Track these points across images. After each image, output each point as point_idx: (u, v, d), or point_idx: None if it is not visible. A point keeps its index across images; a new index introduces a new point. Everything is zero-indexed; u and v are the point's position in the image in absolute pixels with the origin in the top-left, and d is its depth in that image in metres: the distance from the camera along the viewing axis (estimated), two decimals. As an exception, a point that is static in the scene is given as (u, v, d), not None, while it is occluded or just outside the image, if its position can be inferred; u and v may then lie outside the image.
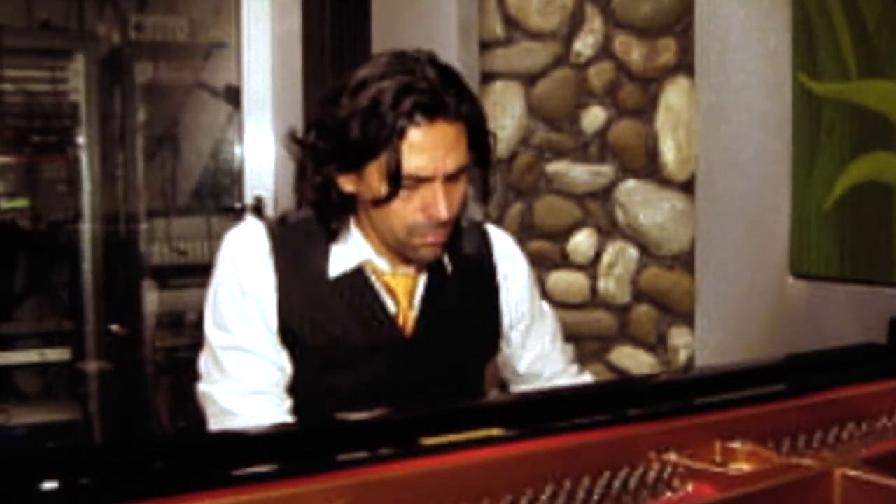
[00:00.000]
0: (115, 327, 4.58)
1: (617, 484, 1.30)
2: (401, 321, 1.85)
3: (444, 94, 1.72)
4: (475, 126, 1.77)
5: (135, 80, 4.66)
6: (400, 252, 1.83)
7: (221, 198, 4.61)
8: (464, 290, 1.92)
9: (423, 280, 1.88)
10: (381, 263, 1.86)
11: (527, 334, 2.03)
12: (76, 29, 4.79)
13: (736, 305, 2.93)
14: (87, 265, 4.59)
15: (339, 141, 1.74)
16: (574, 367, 2.13)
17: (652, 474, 1.32)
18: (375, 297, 1.84)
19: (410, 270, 1.87)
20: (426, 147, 1.70)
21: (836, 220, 2.62)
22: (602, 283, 3.30)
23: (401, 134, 1.69)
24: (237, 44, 4.08)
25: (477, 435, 1.32)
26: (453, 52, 3.30)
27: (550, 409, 1.50)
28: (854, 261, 2.58)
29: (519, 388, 2.09)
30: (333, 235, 1.84)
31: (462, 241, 1.95)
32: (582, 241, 3.32)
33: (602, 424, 1.38)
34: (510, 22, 3.34)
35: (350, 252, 1.84)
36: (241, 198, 4.08)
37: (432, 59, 1.76)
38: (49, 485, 1.13)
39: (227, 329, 1.81)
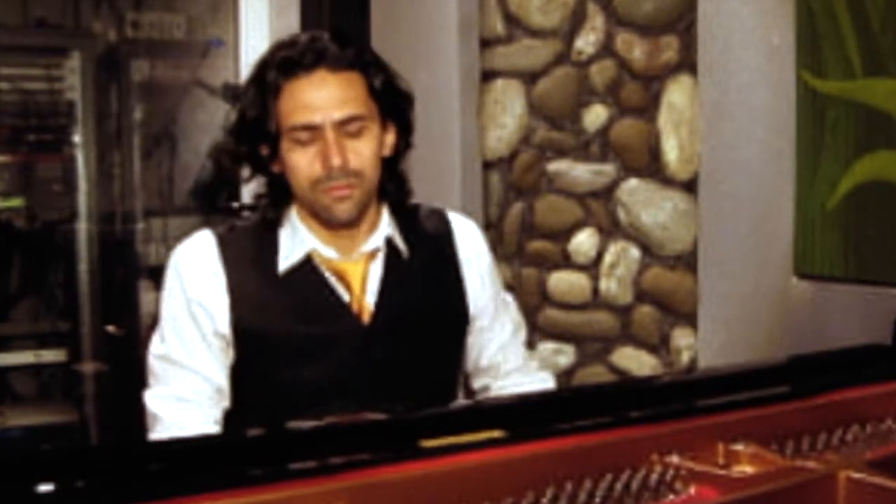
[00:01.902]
0: (111, 328, 4.57)
1: (619, 486, 1.29)
2: (356, 308, 1.85)
3: (327, 47, 1.78)
4: (370, 76, 1.82)
5: (131, 78, 4.65)
6: (321, 217, 1.84)
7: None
8: (423, 274, 1.92)
9: (376, 265, 1.88)
10: (329, 252, 1.86)
11: (490, 324, 2.01)
12: (72, 26, 4.77)
13: (739, 306, 2.92)
14: (83, 265, 4.57)
15: (243, 115, 1.83)
16: (533, 364, 2.12)
17: (654, 477, 1.31)
18: (326, 286, 1.85)
19: (360, 256, 1.87)
20: (306, 95, 1.77)
21: (840, 220, 2.61)
22: (604, 284, 3.29)
23: (278, 90, 1.77)
24: (235, 42, 4.08)
25: (477, 437, 1.31)
26: (453, 50, 3.30)
27: (552, 410, 1.50)
28: (858, 261, 2.58)
29: (479, 381, 2.07)
30: (271, 225, 1.87)
31: (419, 225, 1.95)
32: (583, 241, 3.30)
33: (604, 426, 1.38)
34: (511, 19, 3.33)
35: (296, 245, 1.86)
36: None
37: (332, 32, 1.85)
38: (45, 487, 1.12)
39: (164, 341, 1.86)
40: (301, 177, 1.79)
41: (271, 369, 1.83)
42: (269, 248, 1.86)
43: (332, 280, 1.85)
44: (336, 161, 1.75)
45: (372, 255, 1.88)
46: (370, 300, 1.85)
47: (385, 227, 1.89)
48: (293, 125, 1.77)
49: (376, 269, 1.88)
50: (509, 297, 2.10)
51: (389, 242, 1.89)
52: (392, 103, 1.86)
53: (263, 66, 1.81)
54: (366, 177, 1.81)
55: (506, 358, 2.04)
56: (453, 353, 1.98)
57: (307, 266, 1.85)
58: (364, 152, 1.80)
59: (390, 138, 1.88)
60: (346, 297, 1.85)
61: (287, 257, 1.85)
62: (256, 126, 1.80)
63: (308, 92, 1.77)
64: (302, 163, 1.78)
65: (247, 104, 1.82)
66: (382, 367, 1.84)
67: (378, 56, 1.87)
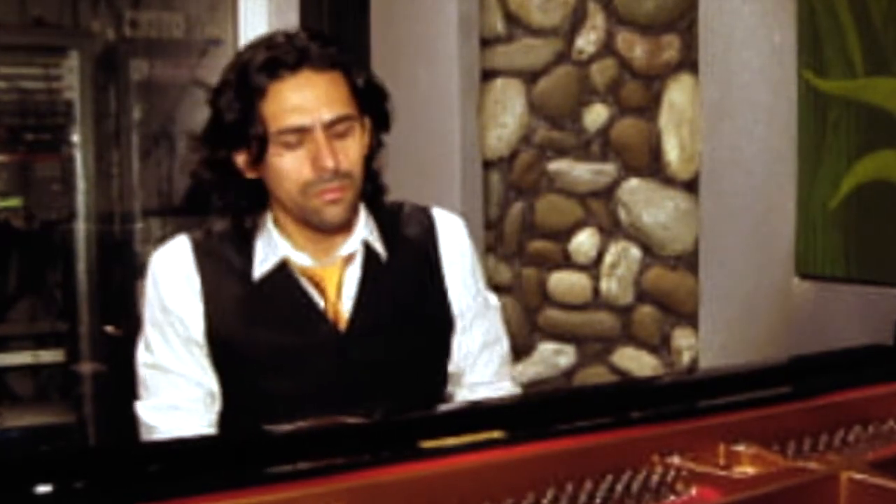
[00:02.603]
0: (109, 328, 4.56)
1: (619, 488, 1.28)
2: (331, 315, 1.80)
3: (308, 45, 1.74)
4: (352, 75, 1.78)
5: (130, 78, 4.64)
6: (309, 222, 1.79)
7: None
8: (404, 277, 1.86)
9: (353, 270, 1.83)
10: (303, 258, 1.82)
11: (469, 326, 1.93)
12: (70, 25, 4.77)
13: (740, 306, 2.91)
14: (81, 265, 4.57)
15: (221, 119, 1.76)
16: (506, 385, 1.99)
17: (655, 478, 1.30)
18: (301, 292, 1.81)
19: (336, 261, 1.83)
20: (294, 97, 1.72)
21: (842, 220, 2.61)
22: (604, 284, 3.28)
23: (263, 92, 1.72)
24: (234, 41, 4.06)
25: (478, 437, 1.30)
26: (453, 49, 3.30)
27: (552, 411, 1.49)
28: (860, 261, 2.58)
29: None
30: (247, 234, 1.82)
31: (400, 225, 1.90)
32: (584, 241, 3.30)
33: (604, 427, 1.37)
34: (511, 18, 3.33)
35: (270, 251, 1.81)
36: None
37: (306, 31, 1.81)
38: (42, 488, 1.12)
39: (150, 348, 1.83)
40: (290, 181, 1.74)
41: (248, 377, 1.80)
42: (245, 254, 1.82)
43: (308, 286, 1.81)
44: (329, 163, 1.71)
45: (349, 259, 1.83)
46: (346, 306, 1.81)
47: (361, 229, 1.84)
48: (282, 128, 1.72)
49: (353, 274, 1.83)
50: (493, 301, 2.00)
51: (368, 245, 1.84)
52: (372, 101, 1.82)
53: (243, 68, 1.75)
54: (355, 177, 1.77)
55: (471, 368, 1.94)
56: (436, 358, 1.91)
57: (282, 272, 1.81)
58: (352, 153, 1.76)
59: (368, 136, 1.83)
60: (321, 303, 1.80)
61: (262, 263, 1.81)
62: (238, 131, 1.74)
63: (295, 93, 1.72)
64: (291, 166, 1.73)
65: (224, 108, 1.75)
66: (362, 375, 1.79)
67: (350, 55, 1.84)
